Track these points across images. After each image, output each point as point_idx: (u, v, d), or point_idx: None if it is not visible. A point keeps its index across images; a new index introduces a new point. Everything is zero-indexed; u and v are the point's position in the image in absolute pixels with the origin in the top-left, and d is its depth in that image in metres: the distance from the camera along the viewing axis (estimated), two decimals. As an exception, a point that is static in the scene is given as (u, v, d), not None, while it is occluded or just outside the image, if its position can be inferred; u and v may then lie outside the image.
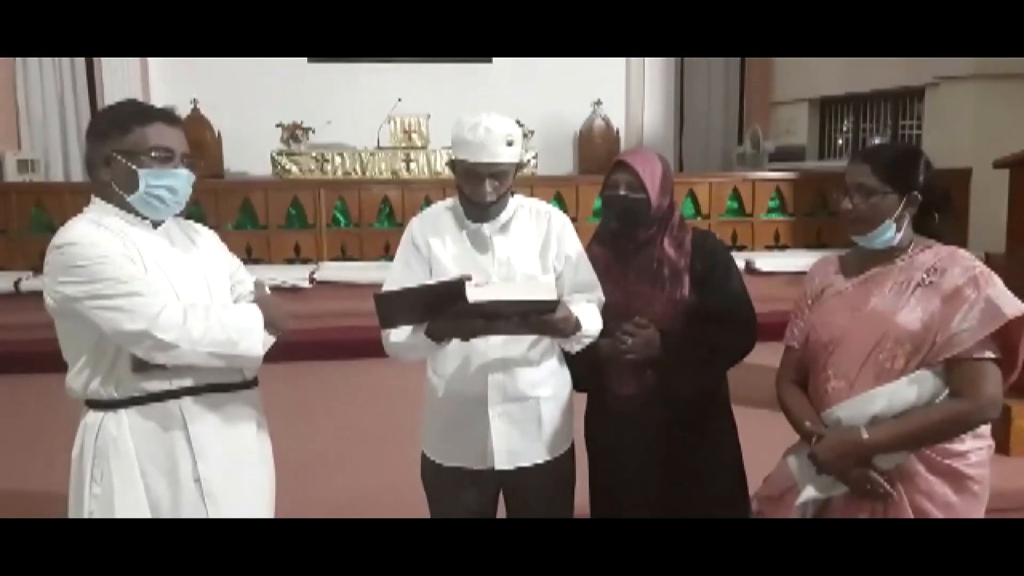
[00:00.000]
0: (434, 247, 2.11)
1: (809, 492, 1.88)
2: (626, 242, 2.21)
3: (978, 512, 1.84)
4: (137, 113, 1.79)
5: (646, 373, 2.16)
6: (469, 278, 1.81)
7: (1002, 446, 3.34)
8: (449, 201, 2.19)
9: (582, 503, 2.31)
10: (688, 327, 2.14)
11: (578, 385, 2.27)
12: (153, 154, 1.76)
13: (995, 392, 1.77)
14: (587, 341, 2.07)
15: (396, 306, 1.90)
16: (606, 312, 2.15)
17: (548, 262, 2.13)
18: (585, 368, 2.21)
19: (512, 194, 2.14)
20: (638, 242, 2.19)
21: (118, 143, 1.76)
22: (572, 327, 1.99)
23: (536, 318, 1.92)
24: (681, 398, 2.15)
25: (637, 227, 2.17)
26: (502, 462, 2.10)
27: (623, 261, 2.21)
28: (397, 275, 2.11)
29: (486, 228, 2.10)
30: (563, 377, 2.21)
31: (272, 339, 1.86)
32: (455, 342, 1.99)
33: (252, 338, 1.78)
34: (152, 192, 1.77)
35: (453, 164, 2.08)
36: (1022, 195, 3.88)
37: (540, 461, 2.14)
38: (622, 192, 2.15)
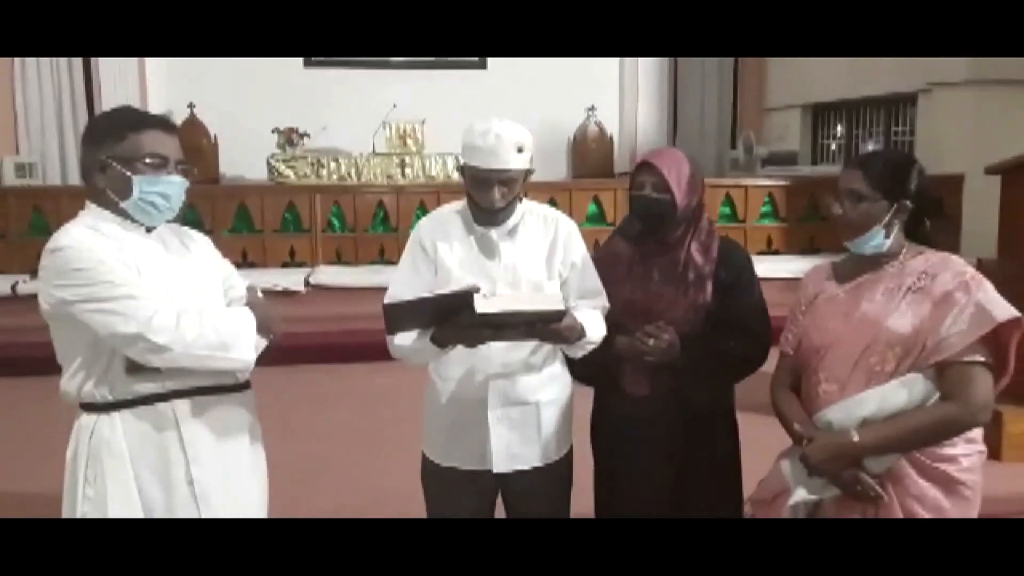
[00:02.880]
0: (441, 250, 2.11)
1: (800, 494, 1.89)
2: (652, 243, 2.20)
3: (969, 516, 1.84)
4: (132, 120, 1.80)
5: (660, 375, 2.17)
6: (477, 289, 1.82)
7: (995, 451, 3.34)
8: (457, 204, 2.19)
9: (586, 505, 2.33)
10: (707, 334, 2.14)
11: (585, 380, 2.28)
12: (147, 161, 1.77)
13: (985, 396, 1.78)
14: (590, 348, 2.08)
15: (404, 314, 1.91)
16: (626, 310, 2.16)
17: (554, 268, 2.13)
18: (595, 365, 2.19)
19: (520, 199, 2.14)
20: (665, 244, 2.18)
21: (113, 149, 1.76)
22: (577, 335, 2.00)
23: (542, 327, 1.93)
24: (693, 403, 2.16)
25: (663, 228, 2.17)
26: (500, 465, 2.12)
27: (647, 260, 2.21)
28: (404, 276, 2.12)
29: (494, 233, 2.10)
30: (564, 382, 2.23)
31: (265, 343, 1.87)
32: (459, 346, 1.99)
33: (244, 342, 1.78)
34: (145, 198, 1.78)
35: (463, 169, 2.08)
36: (1013, 200, 3.90)
37: (539, 465, 2.16)
38: (647, 192, 2.14)
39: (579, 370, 2.25)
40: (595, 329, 2.06)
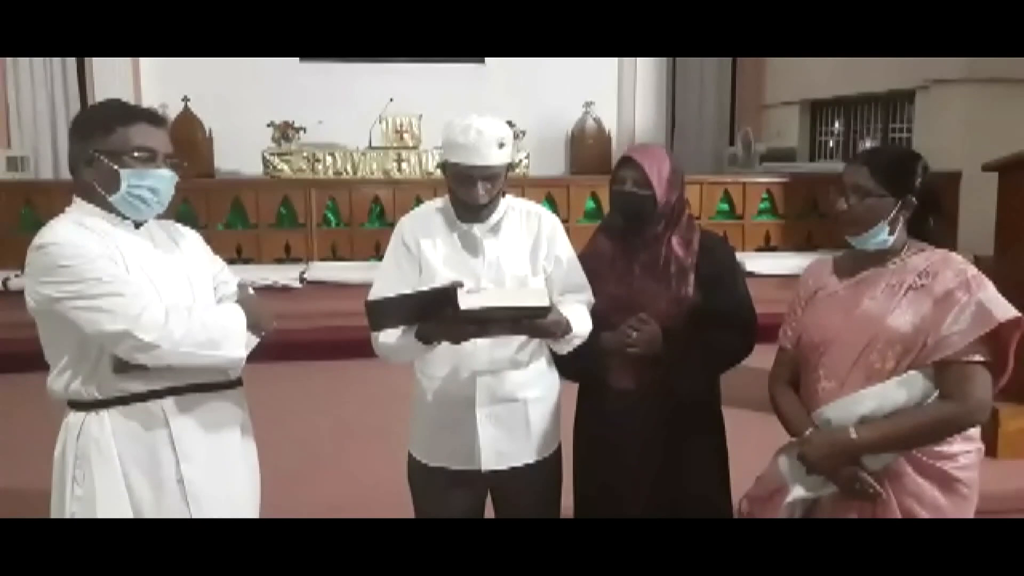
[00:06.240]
0: (424, 248, 2.10)
1: (798, 492, 1.89)
2: (634, 238, 2.20)
3: (967, 515, 1.84)
4: (120, 113, 1.78)
5: (645, 369, 2.16)
6: (461, 285, 1.81)
7: (990, 449, 3.35)
8: (439, 201, 2.18)
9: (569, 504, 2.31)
10: (690, 327, 2.15)
11: (569, 375, 2.27)
12: (136, 154, 1.75)
13: (984, 395, 1.77)
14: (577, 343, 2.07)
15: (387, 312, 1.90)
16: (610, 305, 2.16)
17: (538, 263, 2.12)
18: (580, 360, 2.18)
19: (503, 195, 2.13)
20: (646, 238, 2.19)
21: (101, 143, 1.74)
22: (562, 329, 1.98)
23: (527, 322, 1.91)
24: (677, 396, 2.16)
25: (643, 223, 2.17)
26: (489, 463, 2.10)
27: (630, 255, 2.21)
28: (388, 275, 2.11)
29: (476, 229, 2.09)
30: (551, 379, 2.21)
31: (255, 340, 1.85)
32: (444, 343, 1.98)
33: (234, 339, 1.77)
34: (134, 192, 1.76)
35: (444, 166, 2.07)
36: (1010, 198, 3.90)
37: (528, 462, 2.15)
38: (628, 188, 2.15)
39: (565, 367, 2.24)
40: (581, 323, 2.05)
